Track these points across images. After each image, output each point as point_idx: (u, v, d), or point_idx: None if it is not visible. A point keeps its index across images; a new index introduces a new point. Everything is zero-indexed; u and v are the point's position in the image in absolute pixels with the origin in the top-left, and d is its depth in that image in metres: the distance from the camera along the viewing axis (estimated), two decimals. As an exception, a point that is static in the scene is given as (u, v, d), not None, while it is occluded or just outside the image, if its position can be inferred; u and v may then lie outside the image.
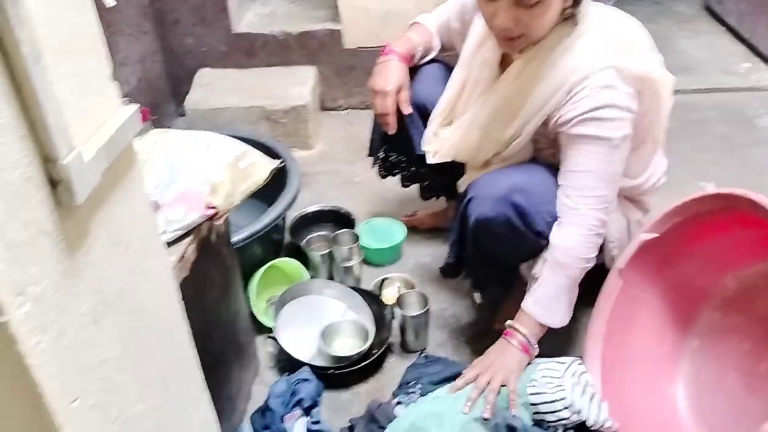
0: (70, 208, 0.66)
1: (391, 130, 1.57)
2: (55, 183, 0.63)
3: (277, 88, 2.42)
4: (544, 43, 1.30)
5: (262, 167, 1.17)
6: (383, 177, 1.85)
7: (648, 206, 1.57)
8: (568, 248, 1.32)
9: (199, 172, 1.07)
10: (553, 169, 1.38)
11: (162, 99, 2.55)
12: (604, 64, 1.25)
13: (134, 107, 0.76)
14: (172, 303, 0.92)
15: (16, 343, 0.59)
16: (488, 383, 1.30)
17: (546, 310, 1.34)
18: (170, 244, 0.98)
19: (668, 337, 1.46)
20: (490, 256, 1.42)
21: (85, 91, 0.69)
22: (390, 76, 1.54)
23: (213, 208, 1.02)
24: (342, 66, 2.57)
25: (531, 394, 1.28)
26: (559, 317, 1.35)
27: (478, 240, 1.37)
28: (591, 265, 1.35)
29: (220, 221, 1.06)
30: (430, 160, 1.55)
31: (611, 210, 1.35)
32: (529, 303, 1.35)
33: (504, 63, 1.40)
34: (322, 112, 2.61)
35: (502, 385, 1.30)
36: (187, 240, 1.01)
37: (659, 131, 1.45)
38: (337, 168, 2.32)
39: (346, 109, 2.65)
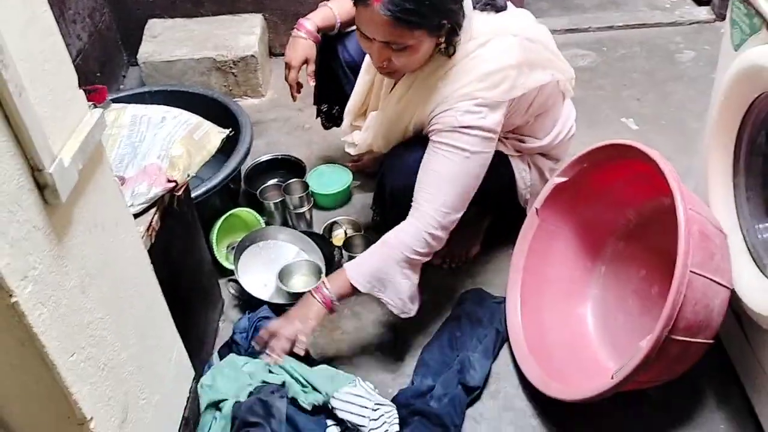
0: (56, 206, 0.81)
1: (293, 98, 1.78)
2: (42, 187, 0.78)
3: (226, 38, 2.50)
4: (423, 70, 1.46)
5: (214, 137, 1.32)
6: (326, 128, 2.03)
7: (561, 156, 1.77)
8: (398, 233, 1.44)
9: (157, 147, 1.21)
10: None
11: (114, 50, 2.61)
12: (470, 94, 1.40)
13: (99, 112, 0.90)
14: (144, 267, 1.09)
15: (24, 316, 0.76)
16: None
17: (359, 275, 1.44)
18: (137, 215, 1.13)
19: (579, 264, 1.69)
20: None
21: (58, 104, 0.83)
22: (296, 52, 1.71)
23: (173, 181, 1.17)
24: (288, 12, 2.64)
25: (348, 389, 1.37)
26: (368, 286, 1.44)
27: (395, 205, 1.54)
28: (418, 258, 1.45)
29: (180, 192, 1.21)
30: (349, 150, 1.72)
31: (452, 217, 1.44)
32: (350, 263, 1.48)
33: None
34: (271, 59, 2.70)
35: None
36: (152, 210, 1.16)
37: (561, 95, 1.65)
38: (288, 115, 2.45)
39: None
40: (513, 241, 1.69)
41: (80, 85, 0.90)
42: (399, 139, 1.58)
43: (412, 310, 1.51)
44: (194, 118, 1.32)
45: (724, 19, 2.64)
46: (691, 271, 1.21)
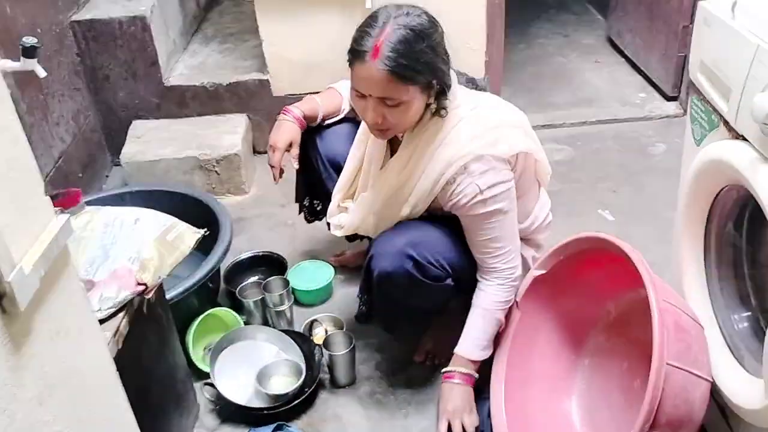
0: (14, 314, 0.79)
1: (276, 181, 1.78)
2: (0, 296, 0.77)
3: (210, 137, 2.55)
4: (422, 136, 1.48)
5: (188, 238, 1.32)
6: (309, 222, 2.03)
7: (540, 242, 1.78)
8: (490, 296, 1.56)
9: (129, 249, 1.21)
10: (445, 219, 1.56)
11: (98, 151, 2.65)
12: (477, 153, 1.43)
13: (65, 217, 0.90)
14: (109, 375, 1.06)
15: (-26, 432, 0.73)
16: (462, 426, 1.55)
17: (480, 350, 1.58)
18: (104, 320, 1.12)
19: (563, 358, 1.66)
20: (395, 305, 1.60)
21: (22, 212, 0.83)
22: (281, 134, 1.73)
23: (143, 284, 1.16)
24: (272, 112, 2.67)
25: None
26: (489, 351, 1.60)
27: (383, 292, 1.54)
28: (512, 300, 1.60)
29: (150, 295, 1.20)
30: (335, 232, 1.72)
31: (519, 254, 1.58)
32: (464, 348, 1.58)
33: (393, 140, 1.58)
34: (255, 156, 2.75)
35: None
36: (120, 315, 1.14)
37: (537, 183, 1.68)
38: (271, 211, 2.47)
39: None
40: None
41: (60, 187, 0.91)
42: (392, 220, 1.58)
43: None
44: (168, 219, 1.33)
45: (691, 113, 2.79)
46: (668, 364, 1.19)
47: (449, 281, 1.55)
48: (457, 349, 1.59)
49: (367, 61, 1.35)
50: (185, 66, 2.79)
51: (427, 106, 1.45)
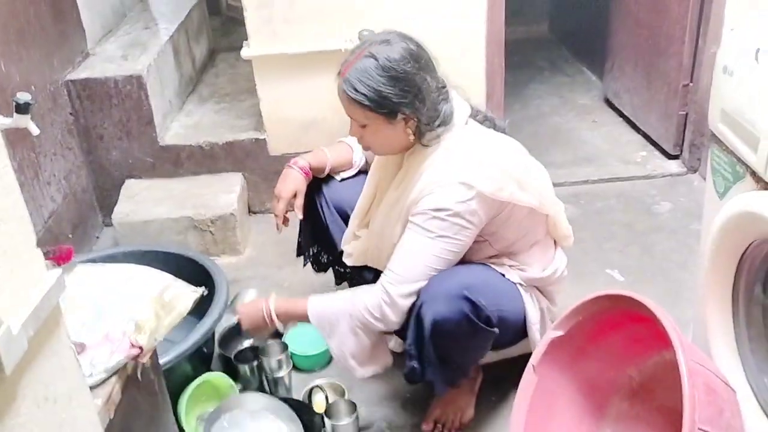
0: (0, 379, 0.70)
1: (279, 230, 1.79)
2: (-16, 359, 0.68)
3: (205, 197, 2.49)
4: (411, 160, 1.54)
5: (186, 297, 1.22)
6: (317, 272, 1.97)
7: (554, 296, 1.73)
8: (361, 292, 1.55)
9: (123, 309, 1.12)
10: (486, 266, 1.57)
11: (89, 211, 2.57)
12: (455, 180, 1.45)
13: (58, 272, 0.82)
14: (99, 447, 0.95)
15: None
16: None
17: (316, 308, 1.57)
18: (95, 387, 1.01)
19: (584, 426, 1.56)
20: (447, 356, 1.51)
21: (13, 267, 0.75)
22: (287, 184, 1.74)
23: (138, 347, 1.06)
24: (269, 171, 2.65)
25: None
26: (317, 322, 1.57)
27: (437, 340, 1.46)
28: (372, 322, 1.50)
29: (145, 359, 1.10)
30: (347, 260, 1.71)
31: (408, 287, 1.48)
32: (317, 296, 1.60)
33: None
34: (250, 216, 2.68)
35: None
36: (113, 380, 1.04)
37: (546, 236, 1.67)
38: (266, 273, 2.38)
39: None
40: (509, 401, 1.58)
41: (48, 246, 0.83)
42: (390, 240, 1.56)
43: (355, 369, 1.57)
44: (165, 278, 1.24)
45: (696, 171, 2.76)
46: (699, 429, 1.11)
47: (496, 330, 1.51)
48: (312, 296, 1.59)
49: (339, 79, 1.47)
50: (180, 125, 2.75)
51: (409, 134, 1.49)
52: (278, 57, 2.44)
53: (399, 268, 1.49)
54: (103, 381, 1.03)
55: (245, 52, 2.45)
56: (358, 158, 1.83)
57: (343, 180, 1.83)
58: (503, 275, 1.58)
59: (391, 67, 1.42)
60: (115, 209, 2.46)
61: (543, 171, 1.66)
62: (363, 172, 1.81)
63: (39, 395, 0.79)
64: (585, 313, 1.48)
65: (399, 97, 1.43)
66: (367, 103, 1.43)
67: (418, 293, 1.48)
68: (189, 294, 1.25)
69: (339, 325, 1.53)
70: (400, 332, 1.60)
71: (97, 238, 2.63)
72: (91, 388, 1.00)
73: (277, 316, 1.61)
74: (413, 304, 1.49)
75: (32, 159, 2.16)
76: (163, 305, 1.17)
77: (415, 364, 1.53)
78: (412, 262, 1.48)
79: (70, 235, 2.38)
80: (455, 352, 1.52)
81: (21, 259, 0.77)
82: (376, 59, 1.42)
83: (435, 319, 1.44)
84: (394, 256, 1.52)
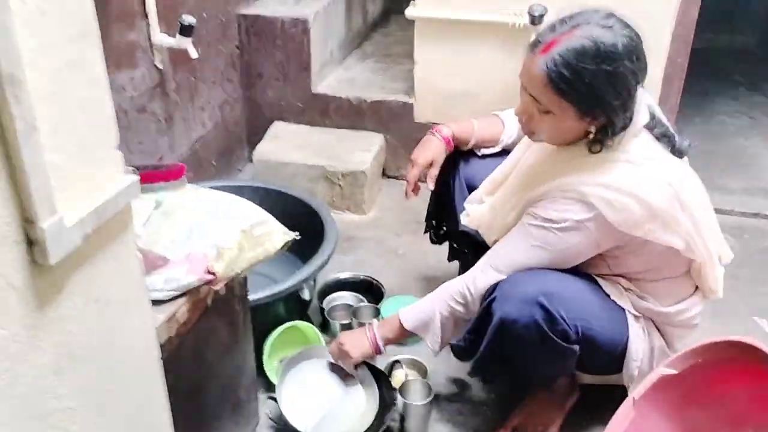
0: (44, 267, 0.70)
1: (408, 197, 1.69)
2: (31, 243, 0.69)
3: (343, 150, 2.49)
4: (562, 154, 1.38)
5: (276, 238, 1.21)
6: (433, 243, 1.91)
7: (673, 339, 1.51)
8: (450, 281, 1.49)
9: (212, 234, 1.12)
10: (593, 281, 1.42)
11: (236, 144, 2.68)
12: (579, 195, 1.31)
13: (134, 178, 0.82)
14: (150, 361, 0.96)
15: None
16: None
17: (409, 314, 1.50)
18: (163, 302, 1.02)
19: (678, 480, 1.37)
20: (509, 358, 1.41)
21: (84, 160, 0.75)
22: (424, 151, 1.65)
23: (212, 273, 1.06)
24: (410, 137, 2.60)
25: None
26: (413, 325, 1.50)
27: (500, 339, 1.37)
28: (458, 310, 1.45)
29: (218, 287, 1.09)
30: (463, 220, 1.62)
31: (490, 276, 1.40)
32: (405, 308, 1.52)
33: None
34: (383, 179, 2.66)
35: None
36: (182, 300, 1.05)
37: (686, 274, 1.46)
38: (384, 236, 2.35)
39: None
40: (600, 429, 1.42)
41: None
42: (502, 221, 1.47)
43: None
44: (261, 214, 1.23)
45: None
46: None
47: (576, 347, 1.36)
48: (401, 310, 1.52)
49: (536, 54, 1.27)
50: (336, 77, 2.77)
51: (587, 133, 1.31)
52: (441, 22, 2.37)
53: (495, 260, 1.42)
54: (173, 299, 1.04)
55: (410, 12, 2.39)
56: (507, 137, 1.69)
57: (483, 156, 1.72)
58: (608, 295, 1.41)
59: (614, 61, 1.21)
60: (258, 147, 2.53)
61: (710, 211, 1.43)
62: (506, 151, 1.68)
63: (89, 295, 0.80)
64: (707, 356, 1.28)
65: (611, 98, 1.25)
66: (570, 92, 1.24)
67: (497, 286, 1.37)
68: (280, 235, 1.23)
69: (432, 322, 1.48)
70: None
71: (239, 170, 2.73)
72: (157, 302, 1.01)
73: (383, 341, 1.52)
74: (486, 296, 1.38)
75: (191, 83, 2.27)
76: (250, 239, 1.16)
77: (466, 343, 1.45)
78: (509, 259, 1.40)
79: (214, 162, 2.49)
80: (520, 358, 1.40)
81: (95, 155, 0.77)
82: (596, 45, 1.21)
83: (502, 318, 1.34)
84: (497, 245, 1.44)
